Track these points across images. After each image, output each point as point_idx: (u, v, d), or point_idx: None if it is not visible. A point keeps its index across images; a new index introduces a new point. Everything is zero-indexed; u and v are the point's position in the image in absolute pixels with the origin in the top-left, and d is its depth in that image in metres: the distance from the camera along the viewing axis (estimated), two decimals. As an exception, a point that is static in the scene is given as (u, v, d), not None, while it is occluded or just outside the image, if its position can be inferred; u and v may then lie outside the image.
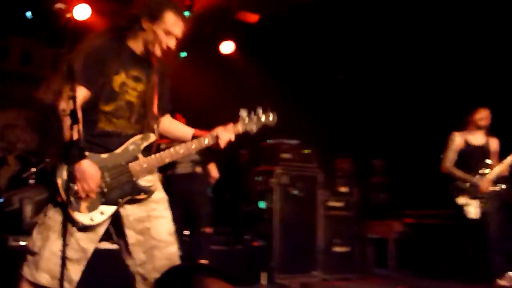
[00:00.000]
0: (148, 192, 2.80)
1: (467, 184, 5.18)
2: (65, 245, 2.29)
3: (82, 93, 2.64)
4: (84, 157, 2.58)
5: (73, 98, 2.37)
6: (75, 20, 2.71)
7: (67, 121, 2.45)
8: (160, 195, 2.90)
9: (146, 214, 2.81)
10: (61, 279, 2.28)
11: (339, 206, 7.36)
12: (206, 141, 2.88)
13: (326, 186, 7.32)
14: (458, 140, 5.40)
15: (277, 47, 8.65)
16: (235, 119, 3.01)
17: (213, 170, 6.05)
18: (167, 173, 6.14)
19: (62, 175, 2.61)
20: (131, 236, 2.78)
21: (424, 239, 8.14)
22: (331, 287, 6.51)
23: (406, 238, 8.15)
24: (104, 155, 2.73)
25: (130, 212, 2.79)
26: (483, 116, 5.52)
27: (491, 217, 5.08)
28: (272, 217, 6.74)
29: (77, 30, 2.56)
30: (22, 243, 5.27)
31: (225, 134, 2.88)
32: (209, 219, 6.07)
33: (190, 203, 5.89)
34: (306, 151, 7.15)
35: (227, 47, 8.85)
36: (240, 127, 2.98)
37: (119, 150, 2.77)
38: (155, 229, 2.81)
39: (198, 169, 5.95)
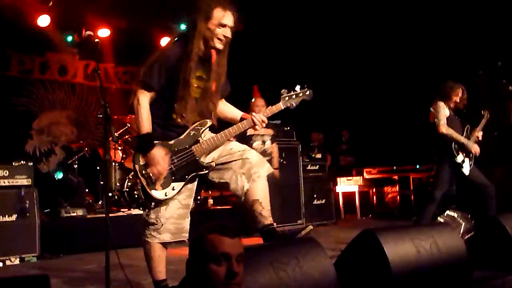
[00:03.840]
0: (210, 168, 2.75)
1: (462, 145, 4.81)
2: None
3: (151, 94, 2.65)
4: (153, 146, 2.59)
5: (105, 104, 2.43)
6: (100, 40, 2.72)
7: (141, 115, 2.57)
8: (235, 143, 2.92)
9: (226, 154, 2.79)
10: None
11: (315, 169, 7.47)
12: (250, 122, 2.80)
13: (305, 154, 7.41)
14: (445, 108, 4.90)
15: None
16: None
17: None
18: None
19: (139, 162, 2.64)
20: (218, 172, 2.78)
21: (380, 190, 8.30)
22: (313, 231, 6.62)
23: (367, 190, 8.30)
24: (171, 142, 2.70)
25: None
26: (463, 97, 5.01)
27: (476, 170, 4.87)
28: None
29: (101, 48, 2.64)
30: (73, 214, 5.35)
31: (260, 116, 2.79)
32: None
33: None
34: (287, 128, 7.21)
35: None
36: (282, 105, 2.86)
37: (182, 136, 2.73)
38: (235, 150, 2.79)
39: None
